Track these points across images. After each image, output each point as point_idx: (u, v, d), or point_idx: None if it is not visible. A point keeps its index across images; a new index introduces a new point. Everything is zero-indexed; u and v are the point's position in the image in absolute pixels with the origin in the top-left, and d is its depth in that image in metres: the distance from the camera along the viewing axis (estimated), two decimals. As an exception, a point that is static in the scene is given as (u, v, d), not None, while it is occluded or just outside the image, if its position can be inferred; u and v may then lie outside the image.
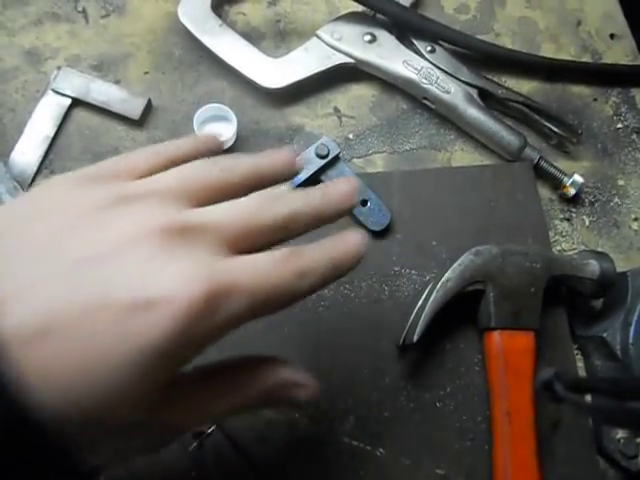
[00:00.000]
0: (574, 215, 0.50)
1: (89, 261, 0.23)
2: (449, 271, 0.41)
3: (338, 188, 0.30)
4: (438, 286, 0.40)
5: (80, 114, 0.49)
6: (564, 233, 0.50)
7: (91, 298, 0.22)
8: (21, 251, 0.23)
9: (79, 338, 0.21)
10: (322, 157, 0.44)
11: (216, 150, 0.31)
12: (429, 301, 0.40)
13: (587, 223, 0.50)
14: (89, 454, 0.22)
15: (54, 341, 0.21)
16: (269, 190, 0.29)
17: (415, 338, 0.39)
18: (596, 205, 0.51)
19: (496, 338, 0.41)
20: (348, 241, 0.29)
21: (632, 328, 0.42)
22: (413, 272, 0.45)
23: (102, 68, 0.51)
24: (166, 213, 0.25)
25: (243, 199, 0.27)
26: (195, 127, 0.47)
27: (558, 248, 0.49)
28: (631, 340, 0.42)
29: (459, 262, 0.41)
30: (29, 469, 0.21)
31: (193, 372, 0.26)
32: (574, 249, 0.49)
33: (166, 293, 0.22)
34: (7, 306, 0.21)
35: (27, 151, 0.47)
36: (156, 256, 0.23)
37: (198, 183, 0.27)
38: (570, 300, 0.46)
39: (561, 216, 0.50)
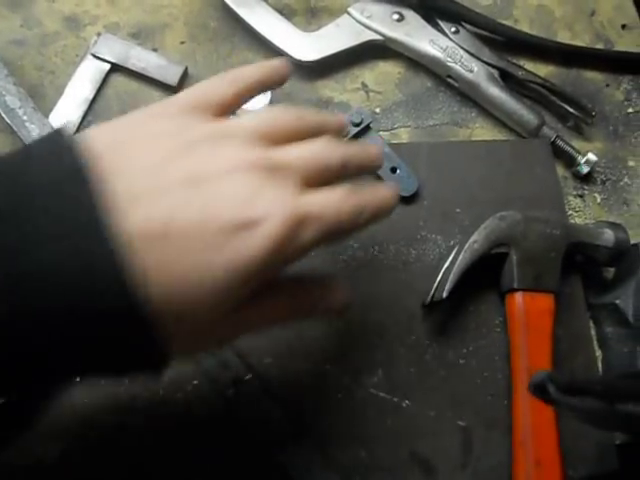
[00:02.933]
0: (586, 192, 0.53)
1: (198, 182, 0.26)
2: (475, 233, 0.43)
3: (374, 148, 0.36)
4: (466, 247, 0.43)
5: (118, 79, 0.51)
6: (577, 209, 0.52)
7: (204, 213, 0.25)
8: (138, 162, 0.25)
9: (191, 246, 0.24)
10: (356, 125, 0.47)
11: (285, 74, 0.35)
12: (457, 260, 0.42)
13: (599, 200, 0.53)
14: (171, 346, 0.25)
15: (171, 244, 0.24)
16: (328, 137, 0.33)
17: (445, 294, 0.41)
18: (607, 184, 0.53)
19: (518, 299, 0.43)
20: (387, 189, 0.34)
21: (644, 295, 0.45)
22: (438, 237, 0.47)
23: (140, 36, 0.52)
24: (255, 151, 0.29)
25: (315, 142, 0.31)
26: (231, 95, 0.49)
27: (572, 222, 0.51)
28: (643, 307, 0.44)
29: (485, 225, 0.44)
30: (124, 353, 0.24)
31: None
32: (587, 224, 0.51)
33: (264, 215, 0.26)
34: (131, 206, 0.23)
35: (67, 112, 0.49)
36: (253, 185, 0.27)
37: (278, 126, 0.31)
38: (584, 269, 0.48)
39: (574, 193, 0.53)
